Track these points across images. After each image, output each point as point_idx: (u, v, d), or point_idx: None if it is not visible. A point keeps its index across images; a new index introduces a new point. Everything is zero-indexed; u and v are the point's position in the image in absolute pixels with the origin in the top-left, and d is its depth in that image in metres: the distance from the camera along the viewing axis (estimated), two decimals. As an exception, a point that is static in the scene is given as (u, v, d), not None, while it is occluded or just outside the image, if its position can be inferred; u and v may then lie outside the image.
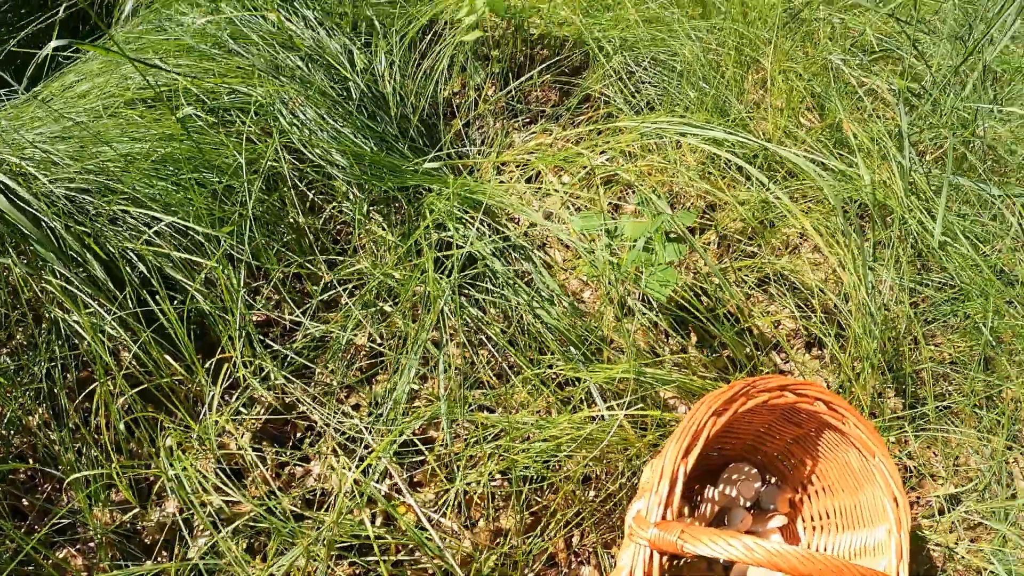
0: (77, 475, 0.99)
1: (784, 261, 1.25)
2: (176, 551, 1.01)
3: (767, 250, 1.26)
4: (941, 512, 1.22)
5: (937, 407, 1.25)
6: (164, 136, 1.20)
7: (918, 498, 1.24)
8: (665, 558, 0.99)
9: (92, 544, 1.01)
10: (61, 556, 1.00)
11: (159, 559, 1.02)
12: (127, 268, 1.06)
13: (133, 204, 1.09)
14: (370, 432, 1.03)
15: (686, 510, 1.11)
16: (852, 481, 1.04)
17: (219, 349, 1.08)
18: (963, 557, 1.16)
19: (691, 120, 1.10)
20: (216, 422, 1.03)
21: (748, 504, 1.12)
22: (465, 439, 1.04)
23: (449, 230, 1.09)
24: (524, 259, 1.13)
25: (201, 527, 1.04)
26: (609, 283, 1.03)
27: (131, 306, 1.04)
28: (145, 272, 1.08)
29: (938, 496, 1.22)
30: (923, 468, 1.25)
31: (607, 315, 1.06)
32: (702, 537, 0.76)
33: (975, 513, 1.18)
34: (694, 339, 1.17)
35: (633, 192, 1.25)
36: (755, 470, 1.13)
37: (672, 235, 1.06)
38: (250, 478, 1.05)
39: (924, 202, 1.25)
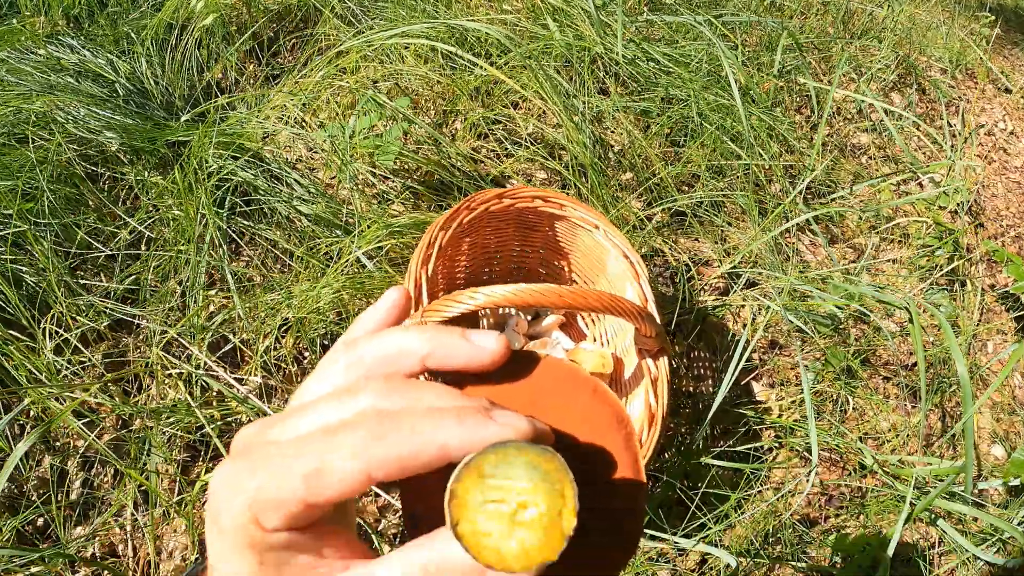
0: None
1: (532, 125, 1.46)
2: (59, 498, 1.13)
3: (518, 121, 1.47)
4: (725, 292, 1.42)
5: (698, 204, 1.46)
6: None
7: (703, 286, 1.44)
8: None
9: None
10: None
11: (47, 506, 1.14)
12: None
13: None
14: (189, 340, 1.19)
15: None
16: (596, 261, 1.18)
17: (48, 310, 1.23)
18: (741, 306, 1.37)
19: (396, 26, 1.31)
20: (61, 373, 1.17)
21: (528, 316, 1.29)
22: (262, 319, 1.20)
23: (211, 165, 1.25)
24: (286, 177, 1.31)
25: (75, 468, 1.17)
26: (348, 164, 1.21)
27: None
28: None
29: (717, 277, 1.42)
30: (697, 256, 1.45)
31: (356, 198, 1.24)
32: (439, 307, 0.89)
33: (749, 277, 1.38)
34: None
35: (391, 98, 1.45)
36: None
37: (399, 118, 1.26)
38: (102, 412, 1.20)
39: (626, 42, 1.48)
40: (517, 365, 0.31)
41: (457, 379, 0.30)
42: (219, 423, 1.14)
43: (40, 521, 1.16)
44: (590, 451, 0.30)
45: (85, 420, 1.18)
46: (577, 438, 0.30)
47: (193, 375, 1.17)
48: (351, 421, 0.24)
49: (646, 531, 1.12)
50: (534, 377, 0.31)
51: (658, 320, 0.98)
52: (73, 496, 1.17)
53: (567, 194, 1.33)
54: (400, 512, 1.20)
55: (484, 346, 0.29)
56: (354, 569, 0.26)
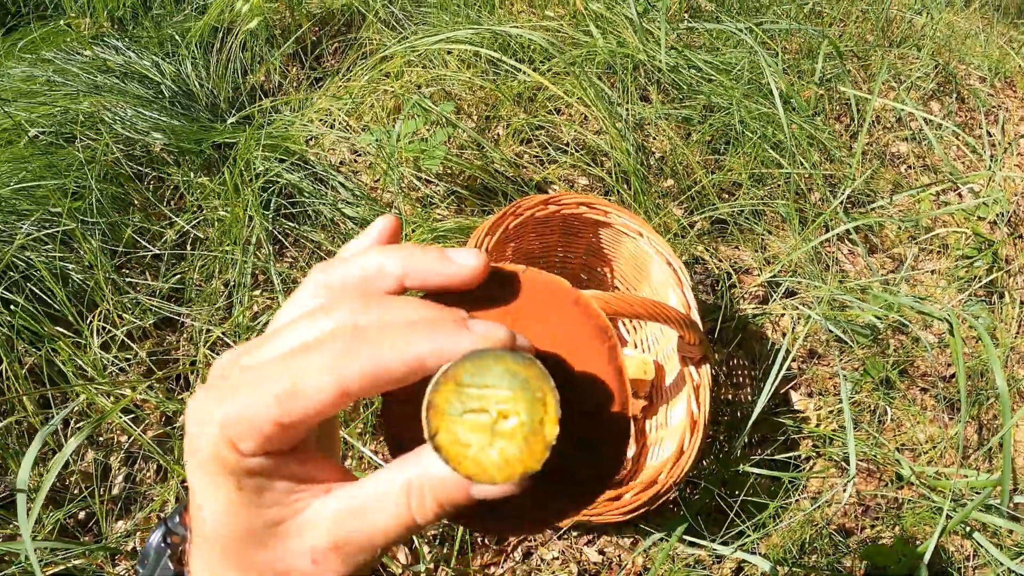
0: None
1: (574, 131, 1.47)
2: (101, 492, 1.15)
3: (561, 127, 1.47)
4: (765, 300, 1.42)
5: (739, 212, 1.46)
6: (18, 159, 1.38)
7: (743, 295, 1.43)
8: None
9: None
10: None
11: (89, 498, 1.17)
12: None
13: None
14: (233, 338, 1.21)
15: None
16: (639, 268, 1.17)
17: (96, 307, 1.26)
18: (781, 314, 1.36)
19: (440, 32, 1.32)
20: (106, 365, 1.19)
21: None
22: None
23: (257, 167, 1.27)
24: (331, 179, 1.32)
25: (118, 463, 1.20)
26: (393, 167, 1.22)
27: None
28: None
29: (757, 286, 1.42)
30: (737, 265, 1.45)
31: (400, 201, 1.26)
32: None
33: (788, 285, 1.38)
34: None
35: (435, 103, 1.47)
36: (570, 293, 1.31)
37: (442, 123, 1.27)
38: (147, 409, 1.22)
39: (668, 50, 1.48)
40: (498, 280, 0.30)
41: (438, 297, 0.28)
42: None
43: (82, 514, 1.18)
44: (573, 362, 0.29)
45: (130, 416, 1.21)
46: (559, 350, 0.29)
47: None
48: (324, 338, 0.24)
49: (684, 537, 1.13)
50: (515, 291, 0.30)
51: (701, 328, 0.99)
52: (115, 491, 1.19)
53: (610, 200, 1.34)
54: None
55: (463, 263, 0.28)
56: (335, 492, 0.25)
